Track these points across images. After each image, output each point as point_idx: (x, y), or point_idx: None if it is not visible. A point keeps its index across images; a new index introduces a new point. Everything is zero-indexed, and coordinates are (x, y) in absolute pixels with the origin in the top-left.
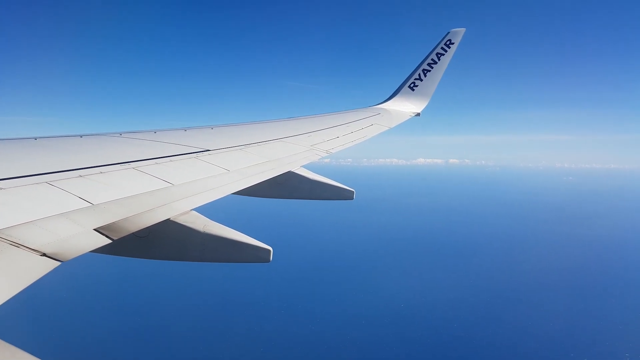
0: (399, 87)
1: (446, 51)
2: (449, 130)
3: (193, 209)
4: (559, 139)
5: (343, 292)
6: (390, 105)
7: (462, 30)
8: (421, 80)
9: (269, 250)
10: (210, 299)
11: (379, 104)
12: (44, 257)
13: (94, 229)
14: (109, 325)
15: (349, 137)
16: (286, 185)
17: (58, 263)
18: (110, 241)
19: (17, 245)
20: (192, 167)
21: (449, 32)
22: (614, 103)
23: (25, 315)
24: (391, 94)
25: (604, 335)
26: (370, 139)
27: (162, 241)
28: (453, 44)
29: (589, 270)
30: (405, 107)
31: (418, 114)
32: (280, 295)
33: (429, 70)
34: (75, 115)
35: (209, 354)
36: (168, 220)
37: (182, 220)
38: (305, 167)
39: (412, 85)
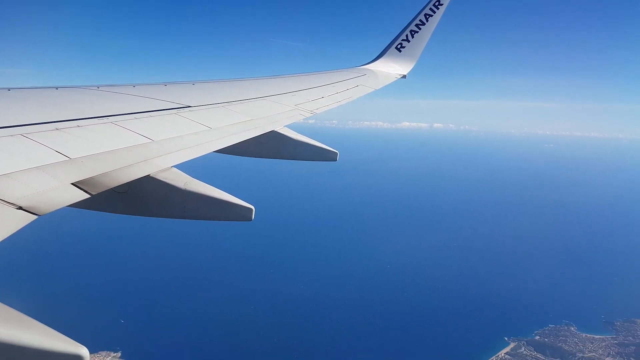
0: (385, 48)
1: (434, 12)
2: (434, 94)
3: (173, 166)
4: (541, 106)
5: (329, 253)
6: (376, 66)
7: None
8: (408, 41)
9: (251, 209)
10: (193, 256)
11: (365, 65)
12: (20, 210)
13: (72, 183)
14: (88, 279)
15: (334, 97)
16: (269, 145)
17: (35, 217)
18: (88, 196)
19: None
20: (172, 123)
21: None
22: (595, 72)
23: (2, 269)
24: (378, 54)
25: (583, 298)
26: (356, 100)
27: (142, 197)
28: (442, 4)
29: (570, 235)
30: (391, 68)
31: (404, 76)
32: (264, 254)
33: (417, 32)
34: (52, 68)
35: (193, 312)
36: (148, 176)
37: (162, 177)
38: (289, 127)
39: (399, 46)
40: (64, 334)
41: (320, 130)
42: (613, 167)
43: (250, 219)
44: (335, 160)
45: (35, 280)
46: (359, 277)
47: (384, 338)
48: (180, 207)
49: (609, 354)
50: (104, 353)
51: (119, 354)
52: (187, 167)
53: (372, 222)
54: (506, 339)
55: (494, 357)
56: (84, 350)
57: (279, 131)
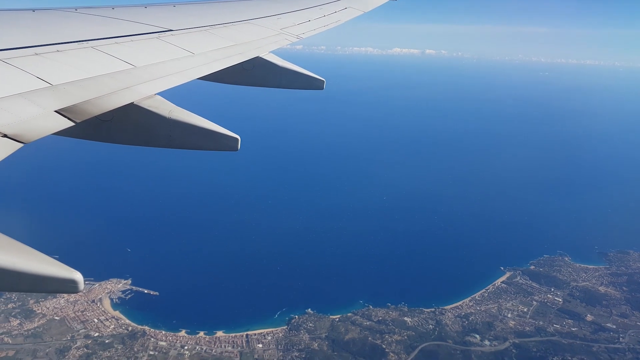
0: None
1: None
2: (426, 17)
3: (157, 94)
4: (535, 31)
5: (323, 185)
6: None
7: None
8: None
9: (237, 139)
10: (186, 187)
11: None
12: (5, 138)
13: (55, 111)
14: (84, 209)
15: (322, 20)
16: (254, 72)
17: (20, 145)
18: (72, 124)
19: None
20: (154, 48)
21: None
22: None
23: None
24: None
25: (577, 229)
26: (344, 23)
27: (126, 126)
28: None
29: (564, 166)
30: None
31: None
32: (259, 185)
33: None
34: None
35: (196, 240)
36: (132, 104)
37: (146, 104)
38: (274, 52)
39: None
40: (68, 264)
41: (308, 57)
42: (609, 97)
43: (236, 149)
44: (322, 88)
45: (29, 210)
46: (355, 208)
47: (381, 267)
48: (165, 135)
49: (602, 283)
50: (114, 280)
51: (129, 281)
52: (170, 94)
53: (365, 154)
54: (502, 268)
55: (490, 285)
56: (77, 275)
57: (264, 57)
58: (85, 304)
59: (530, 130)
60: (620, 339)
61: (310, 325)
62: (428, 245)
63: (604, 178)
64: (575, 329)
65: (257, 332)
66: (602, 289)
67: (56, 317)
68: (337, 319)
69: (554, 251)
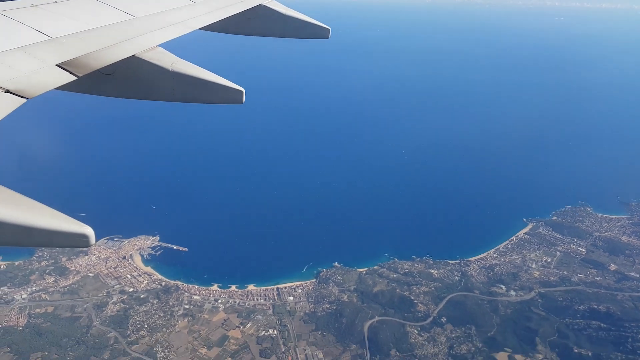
0: None
1: None
2: None
3: (159, 45)
4: None
5: (338, 138)
6: None
7: None
8: None
9: (242, 92)
10: (191, 141)
11: None
12: (8, 93)
13: (56, 65)
14: (88, 166)
15: None
16: (257, 22)
17: (23, 100)
18: (74, 78)
19: None
20: None
21: None
22: None
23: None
24: None
25: (598, 180)
26: None
27: (129, 79)
28: None
29: (584, 116)
30: None
31: None
32: (268, 139)
33: None
34: None
35: (213, 193)
36: (133, 56)
37: (148, 57)
38: (278, 0)
39: None
40: (95, 222)
41: (313, 5)
42: (627, 42)
43: (241, 102)
44: (328, 37)
45: (42, 169)
46: (373, 162)
47: (404, 221)
48: (168, 89)
49: (624, 233)
50: (142, 237)
51: (157, 238)
52: (172, 46)
53: (377, 107)
54: (524, 220)
55: (513, 237)
56: (88, 230)
57: (267, 5)
58: (117, 260)
59: (546, 79)
60: None
61: (339, 278)
62: (449, 197)
63: (624, 127)
64: (599, 278)
65: (287, 285)
66: (624, 238)
67: (90, 274)
68: (364, 272)
69: (575, 202)
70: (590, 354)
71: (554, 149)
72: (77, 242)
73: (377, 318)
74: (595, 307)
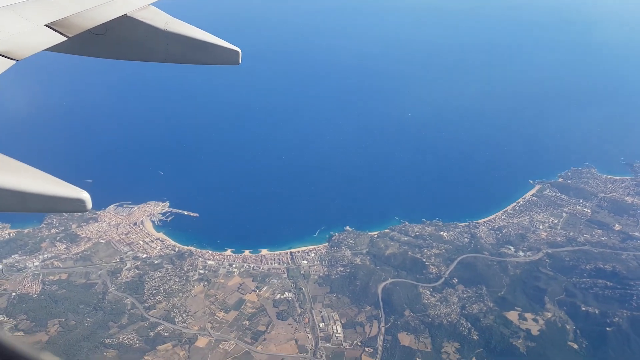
0: None
1: None
2: None
3: (151, 4)
4: None
5: (341, 102)
6: None
7: None
8: None
9: (238, 52)
10: (190, 103)
11: None
12: None
13: (46, 25)
14: (87, 130)
15: None
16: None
17: (12, 62)
18: (65, 39)
19: None
20: None
21: None
22: None
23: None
24: None
25: (602, 141)
26: None
27: (121, 39)
28: None
29: (589, 77)
30: None
31: None
32: (270, 102)
33: None
34: None
35: (219, 157)
36: (125, 16)
37: (140, 16)
38: None
39: None
40: (103, 188)
41: None
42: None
43: (238, 63)
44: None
45: (36, 133)
46: (380, 125)
47: (413, 184)
48: (162, 49)
49: (628, 193)
50: (152, 203)
51: (167, 203)
52: (166, 5)
53: (379, 69)
54: (531, 181)
55: (520, 198)
56: (84, 195)
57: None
58: (128, 226)
59: (549, 39)
60: None
61: (351, 241)
62: (456, 161)
63: (628, 88)
64: (605, 238)
65: (300, 249)
66: (629, 199)
67: (102, 240)
68: (376, 235)
69: (580, 163)
70: (597, 312)
71: (556, 110)
72: (74, 206)
73: (390, 280)
74: (601, 266)
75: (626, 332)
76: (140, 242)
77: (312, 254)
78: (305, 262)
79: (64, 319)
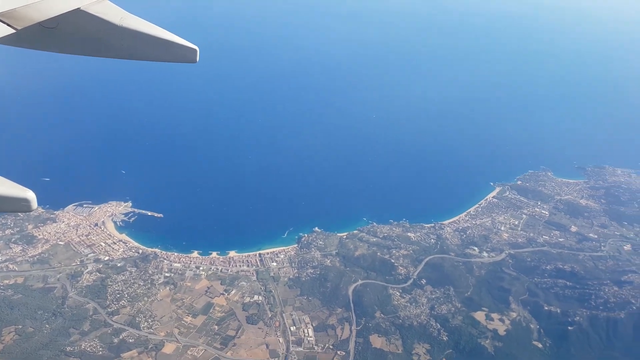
0: None
1: None
2: None
3: None
4: None
5: (309, 103)
6: None
7: None
8: None
9: (195, 50)
10: (149, 100)
11: None
12: None
13: None
14: (43, 127)
15: None
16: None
17: None
18: (13, 31)
19: None
20: None
21: None
22: None
23: None
24: None
25: (557, 145)
26: None
27: (73, 33)
28: None
29: (543, 82)
30: None
31: None
32: (239, 100)
33: None
34: None
35: (181, 153)
36: (78, 9)
37: (94, 10)
38: None
39: None
40: (62, 187)
41: None
42: (584, 10)
43: (195, 61)
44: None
45: None
46: (346, 126)
47: (380, 186)
48: (116, 45)
49: (582, 196)
50: (114, 203)
51: (130, 204)
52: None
53: (346, 70)
54: (492, 184)
55: (482, 200)
56: (29, 194)
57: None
58: (89, 227)
59: (505, 46)
60: (602, 247)
61: (320, 242)
62: (421, 162)
63: (578, 94)
64: (562, 239)
65: (269, 251)
66: (583, 201)
67: (60, 242)
68: (345, 237)
69: (537, 166)
70: (559, 311)
71: (515, 114)
72: (17, 206)
73: (360, 281)
74: (561, 266)
75: (586, 330)
76: (102, 243)
77: (282, 256)
78: (274, 264)
79: (20, 326)
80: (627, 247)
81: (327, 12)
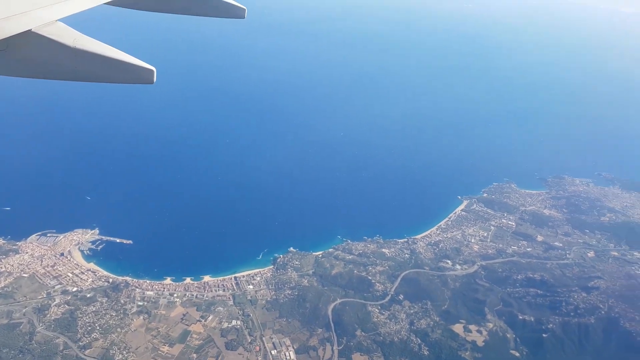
0: None
1: None
2: None
3: (59, 20)
4: None
5: (277, 123)
6: None
7: None
8: None
9: (152, 71)
10: (109, 121)
11: None
12: None
13: None
14: (18, 155)
15: None
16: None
17: None
18: None
19: None
20: None
21: None
22: None
23: None
24: None
25: (519, 157)
26: None
27: (24, 56)
28: None
29: (504, 99)
30: None
31: None
32: (205, 122)
33: None
34: None
35: (148, 178)
36: (29, 31)
37: (46, 32)
38: None
39: None
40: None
41: None
42: (536, 27)
43: (152, 82)
44: (244, 17)
45: None
46: (316, 143)
47: (351, 203)
48: (70, 67)
49: (545, 206)
50: (80, 231)
51: (97, 231)
52: (75, 21)
53: (307, 91)
54: (459, 197)
55: (452, 214)
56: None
57: None
58: (54, 258)
59: (464, 63)
60: (567, 255)
61: (296, 263)
62: (390, 179)
63: (536, 109)
64: (530, 249)
65: (244, 273)
66: (546, 211)
67: (24, 274)
68: (320, 255)
69: (501, 179)
70: (532, 319)
71: (478, 130)
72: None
73: (339, 300)
74: (531, 275)
75: (560, 337)
76: (69, 274)
77: (258, 278)
78: (251, 286)
79: None
80: (591, 253)
81: (292, 31)
